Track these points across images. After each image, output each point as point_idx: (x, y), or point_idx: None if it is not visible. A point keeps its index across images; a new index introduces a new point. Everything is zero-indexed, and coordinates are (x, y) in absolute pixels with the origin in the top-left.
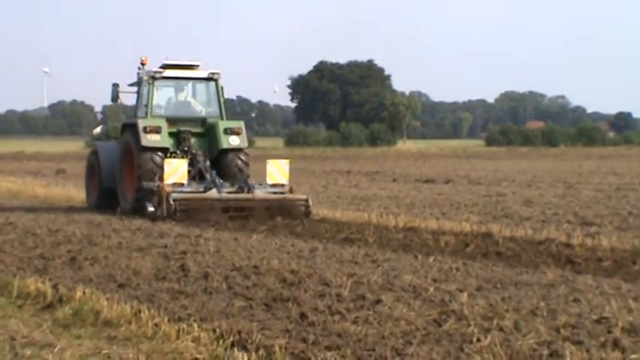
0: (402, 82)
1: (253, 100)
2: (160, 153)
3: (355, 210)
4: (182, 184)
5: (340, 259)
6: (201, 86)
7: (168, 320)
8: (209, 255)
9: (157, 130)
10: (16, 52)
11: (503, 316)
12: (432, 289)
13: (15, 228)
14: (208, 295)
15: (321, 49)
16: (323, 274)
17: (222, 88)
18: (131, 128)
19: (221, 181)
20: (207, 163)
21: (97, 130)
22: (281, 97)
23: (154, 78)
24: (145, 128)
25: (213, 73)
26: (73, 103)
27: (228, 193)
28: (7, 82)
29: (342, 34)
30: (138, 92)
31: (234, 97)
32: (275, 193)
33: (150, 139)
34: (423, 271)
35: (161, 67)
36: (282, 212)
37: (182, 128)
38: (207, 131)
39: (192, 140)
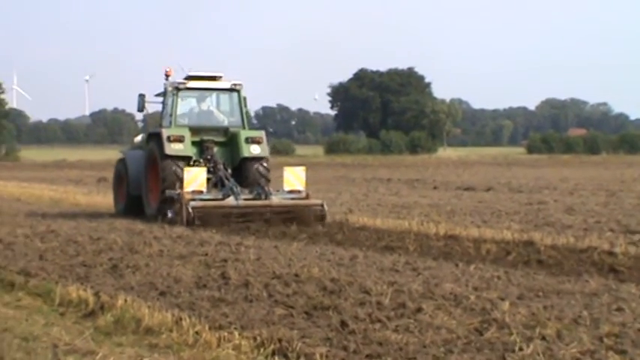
0: (443, 90)
1: (293, 108)
2: (182, 161)
3: (395, 218)
4: (201, 192)
5: (381, 267)
6: (224, 97)
7: (209, 328)
8: (249, 263)
9: (180, 139)
10: (58, 60)
11: (546, 325)
12: (473, 297)
13: (57, 236)
14: (249, 302)
15: (361, 56)
16: (363, 282)
17: (244, 98)
18: (156, 137)
19: (239, 188)
20: (229, 171)
21: (138, 138)
22: (321, 104)
23: (178, 89)
24: (168, 137)
25: (235, 84)
26: (114, 111)
27: (246, 199)
28: (50, 91)
29: (382, 41)
30: (163, 102)
31: (275, 105)
32: (291, 199)
33: (173, 148)
34: (464, 279)
35: (185, 79)
36: (298, 218)
37: (205, 137)
38: (230, 140)
39: (215, 149)
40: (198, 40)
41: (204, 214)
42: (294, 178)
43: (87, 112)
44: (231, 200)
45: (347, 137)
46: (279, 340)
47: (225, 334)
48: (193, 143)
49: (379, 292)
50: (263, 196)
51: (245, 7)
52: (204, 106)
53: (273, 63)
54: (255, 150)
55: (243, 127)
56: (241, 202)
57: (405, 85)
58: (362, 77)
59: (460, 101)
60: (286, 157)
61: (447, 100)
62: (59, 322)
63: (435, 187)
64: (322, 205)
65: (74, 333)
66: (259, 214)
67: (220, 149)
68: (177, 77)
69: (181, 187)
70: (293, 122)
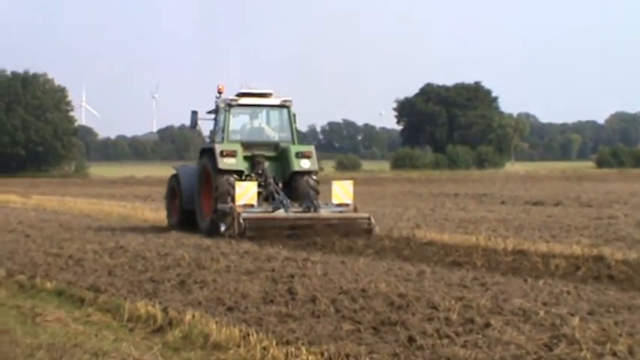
0: (510, 104)
1: (359, 123)
2: (235, 175)
3: (463, 233)
4: (252, 205)
5: (448, 282)
6: (274, 113)
7: (277, 343)
8: (316, 278)
9: (232, 154)
10: (126, 78)
11: (617, 341)
12: (542, 312)
13: (126, 252)
14: (316, 318)
15: (427, 71)
16: (431, 297)
17: (294, 114)
18: (209, 152)
19: (288, 201)
20: (279, 185)
21: None
22: (387, 120)
23: (230, 105)
24: (221, 152)
25: (285, 101)
26: (182, 127)
27: (295, 212)
28: (118, 108)
29: (447, 56)
30: (215, 119)
31: (341, 121)
32: (340, 212)
33: (226, 163)
34: (533, 294)
35: (236, 95)
36: (345, 230)
37: (256, 152)
38: (280, 155)
39: (266, 164)
40: (264, 57)
41: (255, 226)
42: (342, 192)
43: (154, 129)
44: (281, 212)
45: (413, 152)
46: (347, 356)
47: (293, 349)
48: (245, 158)
49: (447, 308)
50: (312, 209)
51: (311, 24)
52: (255, 122)
53: (338, 78)
54: (305, 164)
55: (293, 142)
56: (291, 215)
57: (472, 99)
58: (428, 92)
59: (527, 115)
60: (352, 172)
61: (515, 114)
62: (128, 338)
63: (502, 202)
64: (369, 219)
65: (143, 348)
66: (308, 226)
67: (271, 164)
68: (229, 94)
69: (233, 200)
70: (359, 137)
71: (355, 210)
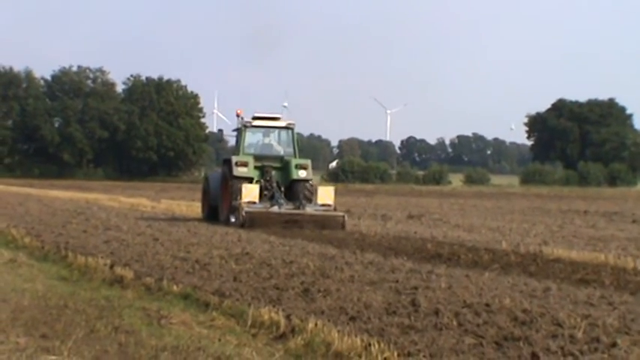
0: None
1: (489, 137)
2: (246, 181)
3: (591, 250)
4: (254, 202)
5: (574, 299)
6: (282, 132)
7: (398, 355)
8: (440, 291)
9: (245, 164)
10: (257, 87)
11: None
12: None
13: (251, 258)
14: (438, 331)
15: (560, 86)
16: (556, 314)
17: (296, 134)
18: (228, 162)
19: (283, 200)
20: (282, 189)
21: (333, 164)
22: (517, 134)
23: (245, 126)
24: (236, 162)
25: (289, 124)
26: (310, 137)
27: (287, 209)
28: (248, 116)
29: (581, 71)
30: (237, 136)
31: (470, 134)
32: (322, 211)
33: (239, 171)
34: None
35: (252, 118)
36: (324, 224)
37: (266, 163)
38: (284, 166)
39: (273, 172)
40: (397, 71)
41: (254, 218)
42: (325, 195)
43: None
44: (275, 209)
45: (543, 168)
46: None
47: None
48: (256, 168)
49: (572, 325)
50: (300, 207)
51: (439, 37)
52: (266, 140)
53: (469, 91)
54: (302, 174)
55: (295, 156)
56: (283, 211)
57: (605, 116)
58: (560, 107)
59: None
60: (481, 187)
61: None
62: (251, 344)
63: (634, 221)
64: (343, 217)
65: (265, 355)
66: (295, 221)
67: (277, 173)
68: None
69: (240, 198)
70: (488, 152)
71: (335, 209)
